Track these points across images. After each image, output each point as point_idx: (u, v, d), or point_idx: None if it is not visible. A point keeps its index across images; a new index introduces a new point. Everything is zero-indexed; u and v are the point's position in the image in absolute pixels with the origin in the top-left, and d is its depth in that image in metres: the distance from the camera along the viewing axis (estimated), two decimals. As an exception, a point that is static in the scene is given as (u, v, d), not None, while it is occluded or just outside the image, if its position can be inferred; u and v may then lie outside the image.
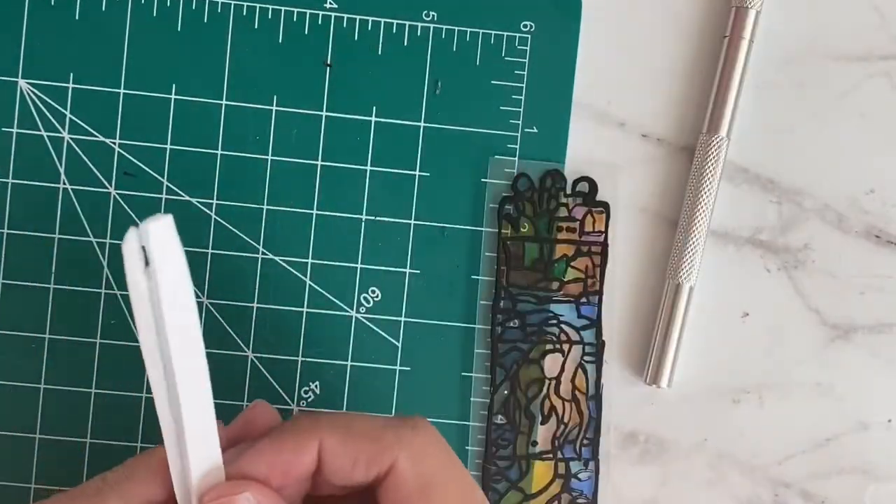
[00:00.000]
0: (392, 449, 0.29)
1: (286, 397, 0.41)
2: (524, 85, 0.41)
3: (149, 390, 0.35)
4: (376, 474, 0.29)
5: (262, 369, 0.40)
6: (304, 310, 0.40)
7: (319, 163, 0.40)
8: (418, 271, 0.41)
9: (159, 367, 0.26)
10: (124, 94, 0.40)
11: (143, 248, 0.24)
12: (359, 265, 0.41)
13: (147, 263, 0.24)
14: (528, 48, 0.41)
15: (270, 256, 0.40)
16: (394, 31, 0.41)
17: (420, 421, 0.31)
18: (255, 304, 0.40)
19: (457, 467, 0.30)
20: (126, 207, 0.40)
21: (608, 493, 0.41)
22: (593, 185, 0.41)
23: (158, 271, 0.24)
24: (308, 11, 0.40)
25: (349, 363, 0.41)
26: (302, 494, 0.31)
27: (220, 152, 0.40)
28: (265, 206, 0.40)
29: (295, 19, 0.40)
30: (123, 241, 0.25)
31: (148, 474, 0.29)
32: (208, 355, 0.28)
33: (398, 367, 0.41)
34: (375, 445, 0.29)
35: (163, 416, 0.27)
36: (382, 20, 0.41)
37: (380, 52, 0.41)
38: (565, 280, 0.41)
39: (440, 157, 0.41)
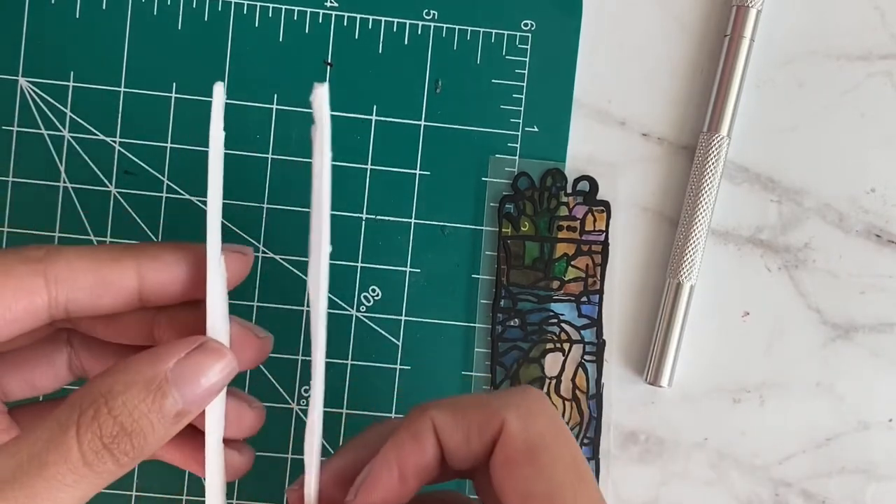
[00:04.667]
0: (500, 411, 0.29)
1: (286, 397, 0.40)
2: (525, 84, 0.41)
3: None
4: (490, 438, 0.29)
5: (263, 369, 0.40)
6: (305, 309, 0.40)
7: (320, 162, 0.40)
8: (419, 270, 0.41)
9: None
10: (125, 92, 0.40)
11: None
12: (359, 264, 0.41)
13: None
14: (528, 47, 0.41)
15: (271, 255, 0.40)
16: (394, 29, 0.41)
17: (529, 387, 0.30)
18: (255, 304, 0.40)
19: (566, 432, 0.30)
20: (126, 206, 0.40)
21: (608, 493, 0.41)
22: (594, 184, 0.41)
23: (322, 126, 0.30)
24: (308, 10, 0.40)
25: (349, 362, 0.41)
26: (429, 481, 0.31)
27: (220, 151, 0.40)
28: (265, 205, 0.40)
29: (295, 18, 0.40)
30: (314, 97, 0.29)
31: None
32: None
33: (398, 366, 0.41)
34: (484, 410, 0.29)
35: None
36: (383, 19, 0.41)
37: (380, 51, 0.41)
38: (566, 279, 0.41)
39: (441, 155, 0.41)
